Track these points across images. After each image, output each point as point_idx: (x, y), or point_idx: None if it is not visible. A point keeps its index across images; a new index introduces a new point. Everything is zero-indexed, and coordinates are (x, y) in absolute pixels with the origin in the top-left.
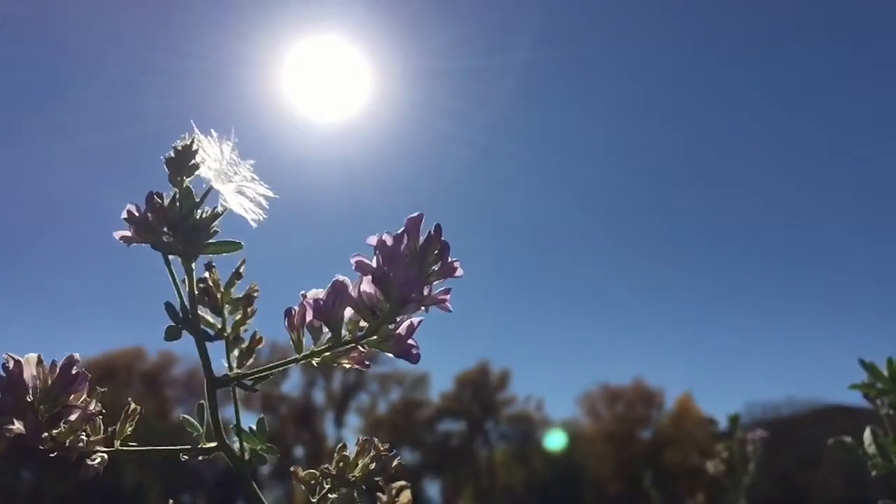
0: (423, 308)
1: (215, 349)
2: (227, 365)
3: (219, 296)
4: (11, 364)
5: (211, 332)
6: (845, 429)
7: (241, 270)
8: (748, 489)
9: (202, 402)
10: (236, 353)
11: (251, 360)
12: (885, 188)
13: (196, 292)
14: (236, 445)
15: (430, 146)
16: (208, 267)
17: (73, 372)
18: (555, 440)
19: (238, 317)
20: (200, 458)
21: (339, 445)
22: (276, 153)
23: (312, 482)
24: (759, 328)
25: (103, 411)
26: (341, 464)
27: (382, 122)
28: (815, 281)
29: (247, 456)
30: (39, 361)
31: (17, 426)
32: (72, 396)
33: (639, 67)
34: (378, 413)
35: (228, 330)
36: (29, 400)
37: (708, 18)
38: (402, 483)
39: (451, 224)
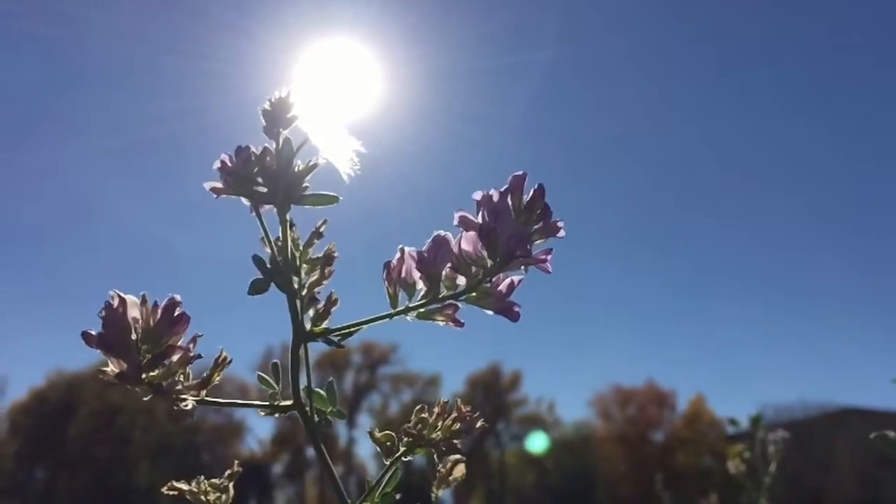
0: (523, 267)
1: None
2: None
3: (297, 255)
4: (116, 301)
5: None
6: (858, 431)
7: (321, 230)
8: (769, 489)
9: (276, 361)
10: (311, 313)
11: (326, 322)
12: None
13: (290, 244)
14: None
15: (444, 147)
16: (288, 224)
17: (176, 313)
18: (536, 443)
19: (315, 277)
20: (276, 415)
21: (418, 408)
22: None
23: (388, 443)
24: (772, 331)
25: (201, 355)
26: (419, 425)
27: (396, 123)
28: (829, 284)
29: (316, 418)
30: (144, 301)
31: (115, 366)
32: (173, 338)
33: (657, 68)
34: (390, 414)
35: (305, 289)
36: (133, 338)
37: (730, 19)
38: (458, 457)
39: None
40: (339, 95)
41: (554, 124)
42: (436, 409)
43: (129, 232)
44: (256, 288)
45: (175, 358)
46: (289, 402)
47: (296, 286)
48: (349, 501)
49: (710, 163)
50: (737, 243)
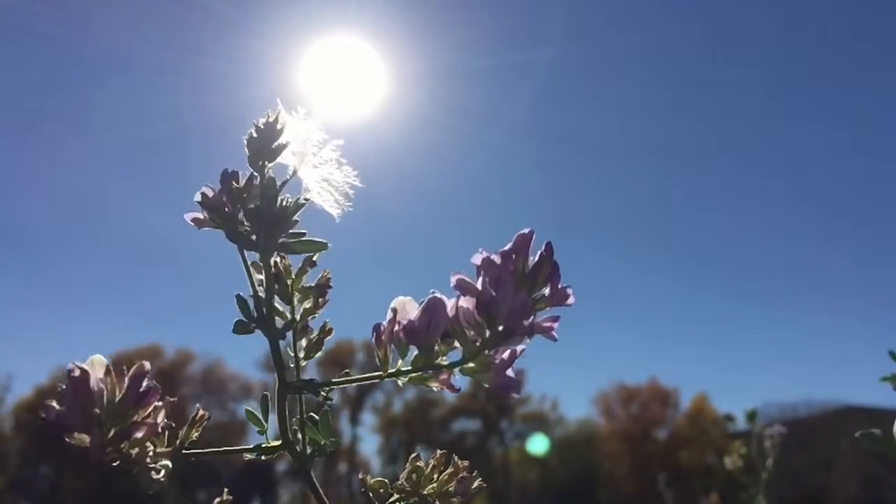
0: (527, 338)
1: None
2: (293, 355)
3: (289, 283)
4: (78, 373)
5: (280, 321)
6: (861, 429)
7: (314, 258)
8: (767, 486)
9: (266, 392)
10: (304, 342)
11: (320, 353)
12: None
13: (273, 288)
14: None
15: (448, 145)
16: (272, 270)
17: (143, 387)
18: (537, 445)
19: (308, 305)
20: (264, 457)
21: (413, 456)
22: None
23: (381, 490)
24: (776, 329)
25: (172, 424)
26: (414, 475)
27: (400, 121)
28: (832, 282)
29: (309, 450)
30: (108, 371)
31: (76, 441)
32: (140, 411)
33: (661, 66)
34: (393, 412)
35: (297, 319)
36: (96, 412)
37: (735, 19)
38: None
39: (467, 223)
40: (344, 94)
41: (558, 122)
42: (431, 461)
43: (133, 229)
44: (240, 329)
45: (140, 434)
46: (277, 443)
47: (288, 317)
48: None
49: (714, 160)
50: (740, 241)
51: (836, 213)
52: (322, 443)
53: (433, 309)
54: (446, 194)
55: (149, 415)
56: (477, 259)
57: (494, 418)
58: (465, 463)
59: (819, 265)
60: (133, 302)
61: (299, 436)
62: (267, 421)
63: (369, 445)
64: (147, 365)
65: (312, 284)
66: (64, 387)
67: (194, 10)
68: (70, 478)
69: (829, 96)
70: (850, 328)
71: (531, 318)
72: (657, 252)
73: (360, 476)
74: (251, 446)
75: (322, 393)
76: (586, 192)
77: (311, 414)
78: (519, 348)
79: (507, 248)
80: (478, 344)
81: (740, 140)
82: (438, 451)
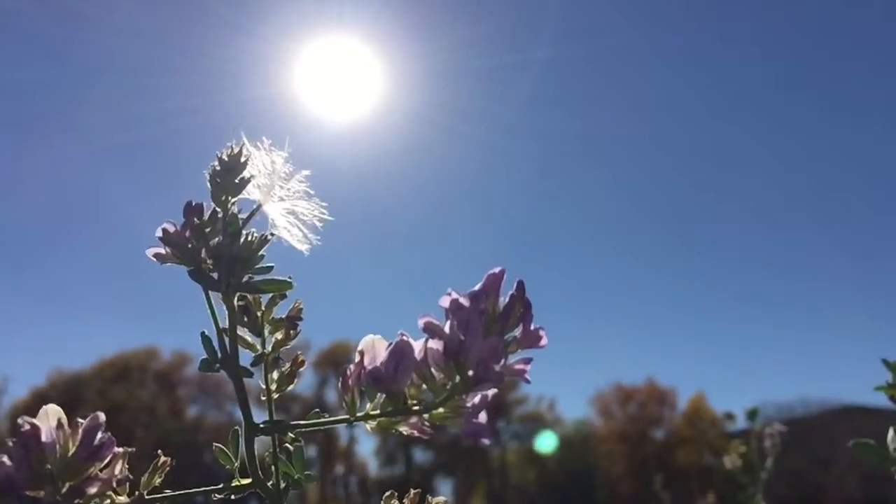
0: (499, 383)
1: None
2: (264, 387)
3: (259, 315)
4: (27, 427)
5: (250, 354)
6: (859, 429)
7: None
8: (765, 485)
9: (237, 427)
10: (275, 375)
11: (293, 385)
12: None
13: (237, 328)
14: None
15: (444, 146)
16: (235, 311)
17: (98, 440)
18: (545, 442)
19: (279, 337)
20: (233, 496)
21: (387, 494)
22: (289, 154)
23: None
24: (773, 328)
25: (130, 477)
26: None
27: (396, 121)
28: (830, 281)
29: (282, 485)
30: (59, 424)
31: (35, 495)
32: (95, 465)
33: (659, 66)
34: None
35: (268, 352)
36: (48, 469)
37: (734, 19)
38: None
39: (463, 223)
40: (340, 95)
41: (553, 122)
42: (406, 502)
43: (130, 230)
44: (205, 367)
45: (94, 490)
46: (248, 481)
47: (259, 349)
48: None
49: (710, 160)
50: (737, 241)
51: (835, 212)
52: (296, 477)
53: (400, 353)
54: (443, 194)
55: (104, 467)
56: (445, 301)
57: (491, 419)
58: (441, 499)
59: (817, 264)
60: (130, 304)
61: (272, 469)
62: (237, 458)
63: (366, 447)
64: (101, 416)
65: (283, 316)
66: (13, 441)
67: (191, 11)
68: None
69: (830, 94)
70: (848, 328)
71: (502, 362)
72: (654, 252)
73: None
74: (220, 486)
75: (290, 435)
76: (583, 191)
77: (286, 445)
78: (490, 392)
79: (476, 288)
80: (447, 388)
81: (739, 138)
82: (413, 491)
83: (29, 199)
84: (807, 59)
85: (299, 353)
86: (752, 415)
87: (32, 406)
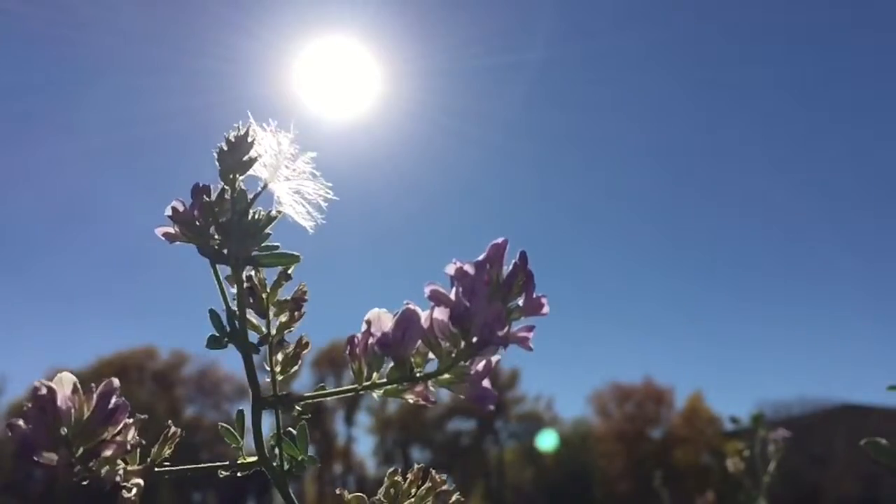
0: (502, 348)
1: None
2: (268, 370)
3: (264, 297)
4: (44, 391)
5: (255, 335)
6: (856, 428)
7: (289, 271)
8: (768, 489)
9: (242, 408)
10: (280, 357)
11: (296, 367)
12: None
13: (245, 302)
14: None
15: (442, 145)
16: (243, 283)
17: (112, 404)
18: (546, 441)
19: (284, 319)
20: (239, 473)
21: (391, 471)
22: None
23: None
24: (771, 327)
25: (142, 442)
26: (392, 490)
27: (394, 121)
28: (828, 280)
29: (286, 466)
30: (75, 389)
31: (44, 461)
32: (109, 429)
33: (656, 66)
34: (388, 412)
35: (273, 333)
36: (63, 433)
37: (733, 18)
38: None
39: (461, 221)
40: (339, 94)
41: (551, 122)
42: (409, 476)
43: (128, 230)
44: (214, 344)
45: (109, 453)
46: (253, 459)
47: (264, 331)
48: None
49: (707, 159)
50: (735, 239)
51: (834, 211)
52: (300, 458)
53: (407, 321)
54: (441, 193)
55: (118, 432)
56: (450, 269)
57: (489, 418)
58: (444, 477)
59: (815, 264)
60: (128, 303)
61: (276, 451)
62: (243, 437)
63: (364, 446)
64: (116, 382)
65: (288, 298)
66: (30, 405)
67: (190, 11)
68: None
69: (830, 93)
70: (846, 327)
71: (506, 328)
72: (652, 251)
73: (338, 491)
74: (226, 463)
75: (297, 408)
76: (581, 191)
77: (289, 428)
78: (494, 359)
79: (480, 258)
80: (453, 355)
81: (738, 138)
82: (416, 466)
83: (28, 199)
84: (807, 58)
85: (304, 335)
86: (756, 420)
87: None
